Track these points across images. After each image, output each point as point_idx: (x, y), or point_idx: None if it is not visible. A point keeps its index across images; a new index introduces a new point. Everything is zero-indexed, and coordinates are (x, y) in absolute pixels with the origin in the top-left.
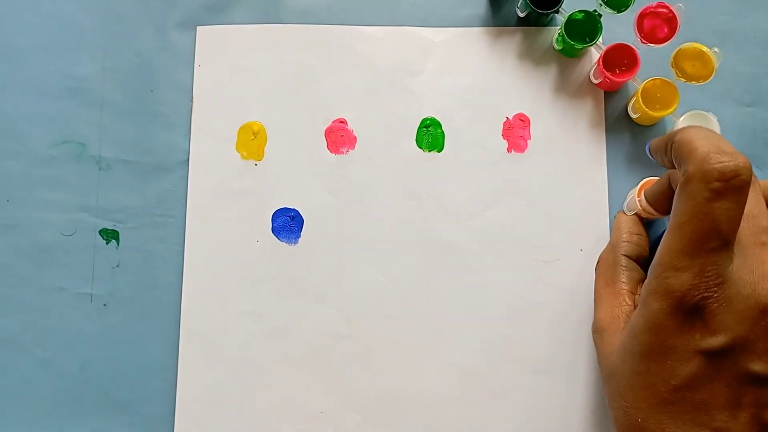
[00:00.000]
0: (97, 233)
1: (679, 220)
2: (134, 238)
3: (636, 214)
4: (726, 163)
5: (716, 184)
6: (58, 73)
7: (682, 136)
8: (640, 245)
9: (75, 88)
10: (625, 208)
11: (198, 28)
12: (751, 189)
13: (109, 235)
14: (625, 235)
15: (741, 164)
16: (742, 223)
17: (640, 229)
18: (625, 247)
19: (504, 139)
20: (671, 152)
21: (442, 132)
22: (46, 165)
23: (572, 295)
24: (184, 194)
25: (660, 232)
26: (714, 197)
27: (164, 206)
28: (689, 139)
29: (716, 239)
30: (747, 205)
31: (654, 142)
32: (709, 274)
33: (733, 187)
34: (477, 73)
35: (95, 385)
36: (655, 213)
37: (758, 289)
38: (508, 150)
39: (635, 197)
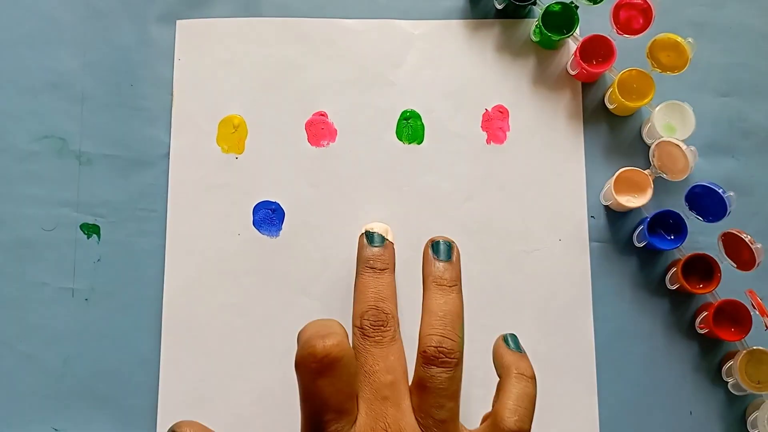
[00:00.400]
0: (78, 228)
1: (300, 405)
2: (115, 232)
3: (610, 206)
4: (316, 346)
5: (313, 365)
6: (38, 67)
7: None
8: None
9: (55, 82)
10: (601, 199)
11: (178, 21)
12: (375, 348)
13: (90, 230)
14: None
15: (329, 344)
16: (362, 383)
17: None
18: None
19: (483, 130)
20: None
21: (422, 124)
22: (27, 160)
23: (552, 284)
24: (166, 188)
25: (636, 221)
26: (315, 377)
27: (145, 200)
28: (300, 331)
29: (329, 412)
30: (367, 364)
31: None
32: None
33: (326, 365)
34: (456, 66)
35: (78, 379)
36: (629, 206)
37: None
38: (488, 141)
39: (611, 188)
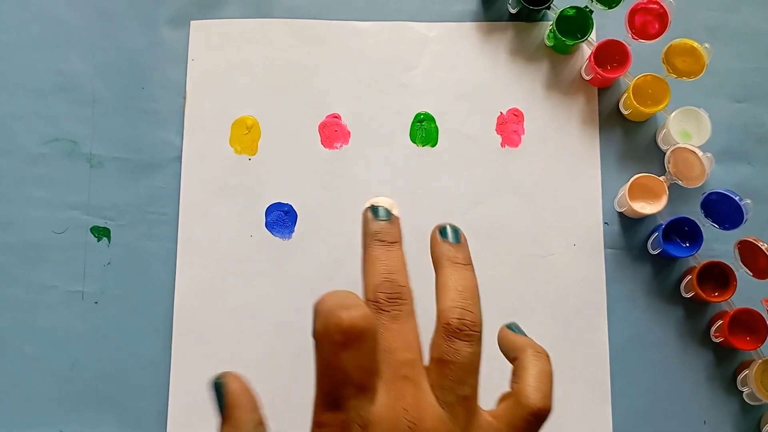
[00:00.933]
0: (89, 231)
1: (317, 377)
2: (126, 235)
3: (624, 212)
4: (342, 316)
5: (338, 337)
6: (48, 70)
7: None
8: None
9: (65, 85)
10: (615, 205)
11: (192, 22)
12: (393, 323)
13: (101, 233)
14: None
15: (355, 315)
16: (381, 360)
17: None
18: None
19: (498, 133)
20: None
21: (436, 127)
22: (37, 163)
23: (566, 289)
24: (177, 191)
25: (651, 228)
26: (339, 349)
27: (156, 203)
28: (317, 301)
29: (349, 387)
30: (385, 340)
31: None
32: (352, 423)
33: (353, 337)
34: (470, 68)
35: (86, 382)
36: (643, 213)
37: (398, 425)
38: (502, 145)
39: (625, 194)
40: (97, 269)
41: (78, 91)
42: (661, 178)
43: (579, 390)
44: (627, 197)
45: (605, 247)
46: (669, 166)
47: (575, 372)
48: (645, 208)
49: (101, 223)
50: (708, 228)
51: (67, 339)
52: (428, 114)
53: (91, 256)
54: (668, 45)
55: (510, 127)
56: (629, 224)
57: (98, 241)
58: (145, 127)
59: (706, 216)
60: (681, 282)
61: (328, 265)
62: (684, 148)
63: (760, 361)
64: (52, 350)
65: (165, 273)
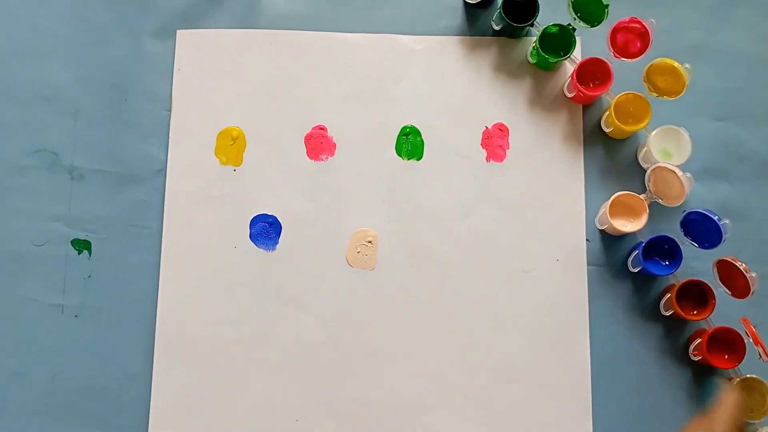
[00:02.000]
0: (69, 243)
1: None
2: (107, 248)
3: (605, 230)
4: None
5: None
6: (32, 80)
7: None
8: None
9: (48, 96)
10: (596, 223)
11: (178, 31)
12: None
13: (81, 246)
14: None
15: None
16: None
17: None
18: None
19: (483, 148)
20: None
21: (422, 140)
22: (18, 174)
23: (549, 304)
24: (159, 205)
25: (631, 245)
26: None
27: (138, 217)
28: None
29: None
30: None
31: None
32: None
33: None
34: (456, 82)
35: (67, 396)
36: (624, 231)
37: None
38: (487, 159)
39: (606, 212)
40: (77, 282)
41: (61, 101)
42: (641, 197)
43: (560, 403)
44: (608, 215)
45: (587, 263)
46: (649, 185)
47: (557, 385)
48: (626, 225)
49: (82, 236)
50: (687, 246)
51: (47, 353)
52: (414, 127)
53: (72, 269)
54: (649, 64)
55: (495, 141)
56: (610, 241)
57: (79, 254)
58: (128, 140)
59: (685, 235)
60: (660, 300)
61: (312, 277)
62: (663, 167)
63: (738, 379)
64: (32, 364)
65: (147, 286)
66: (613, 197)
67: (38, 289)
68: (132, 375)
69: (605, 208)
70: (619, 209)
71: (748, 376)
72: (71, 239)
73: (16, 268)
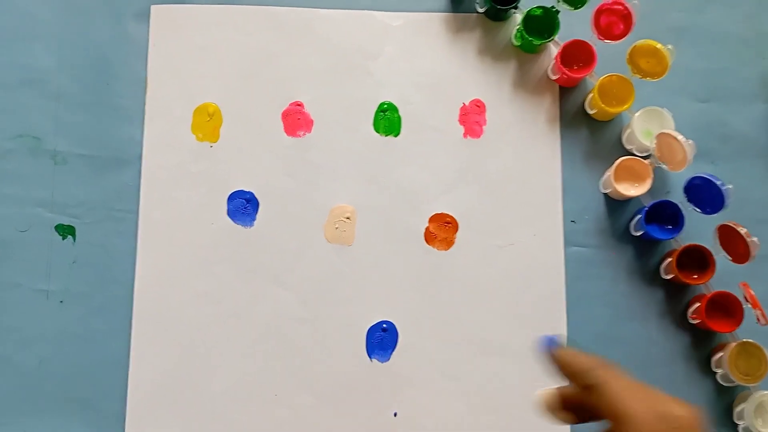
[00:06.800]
0: (54, 229)
1: None
2: (91, 233)
3: (609, 193)
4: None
5: None
6: (13, 64)
7: (611, 395)
8: None
9: (30, 80)
10: (600, 187)
11: (152, 7)
12: None
13: (66, 231)
14: None
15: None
16: None
17: None
18: None
19: (460, 124)
20: (592, 394)
21: (399, 116)
22: (0, 158)
23: (526, 278)
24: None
25: (635, 210)
26: None
27: (122, 201)
28: (618, 399)
29: None
30: None
31: (562, 356)
32: None
33: None
34: (434, 59)
35: (53, 382)
36: (628, 195)
37: None
38: (464, 135)
39: (611, 176)
40: (62, 268)
41: (42, 85)
42: (646, 162)
43: (538, 376)
44: (612, 179)
45: (570, 245)
46: (654, 150)
47: (533, 359)
48: (630, 189)
49: (66, 221)
50: (690, 212)
51: (34, 338)
52: (391, 104)
53: (56, 255)
54: (632, 46)
55: (472, 117)
56: (597, 222)
57: (63, 239)
58: (110, 123)
59: (688, 200)
60: (661, 264)
61: (290, 253)
62: (668, 133)
63: (734, 343)
64: (17, 349)
65: (132, 271)
66: (618, 161)
67: (23, 275)
68: (117, 360)
69: (610, 172)
70: (624, 173)
71: (745, 340)
72: (55, 224)
73: (0, 255)
